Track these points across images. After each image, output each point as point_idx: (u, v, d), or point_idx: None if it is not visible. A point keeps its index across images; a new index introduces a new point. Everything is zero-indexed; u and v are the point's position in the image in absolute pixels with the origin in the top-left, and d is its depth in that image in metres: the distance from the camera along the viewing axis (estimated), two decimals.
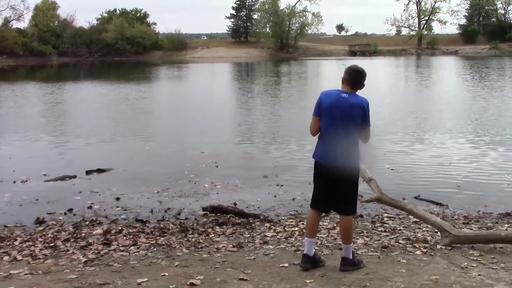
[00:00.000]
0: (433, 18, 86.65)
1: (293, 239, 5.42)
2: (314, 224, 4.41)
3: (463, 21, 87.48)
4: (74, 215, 6.73)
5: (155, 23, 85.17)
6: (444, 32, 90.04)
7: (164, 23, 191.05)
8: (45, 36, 69.38)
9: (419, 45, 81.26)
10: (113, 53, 72.34)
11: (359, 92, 4.28)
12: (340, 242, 4.59)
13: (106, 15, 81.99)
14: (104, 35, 72.81)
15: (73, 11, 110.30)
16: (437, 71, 38.80)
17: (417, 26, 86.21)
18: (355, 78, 4.23)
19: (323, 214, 5.19)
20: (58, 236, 5.60)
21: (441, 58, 63.50)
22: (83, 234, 5.66)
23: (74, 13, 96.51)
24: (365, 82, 4.28)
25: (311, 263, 4.32)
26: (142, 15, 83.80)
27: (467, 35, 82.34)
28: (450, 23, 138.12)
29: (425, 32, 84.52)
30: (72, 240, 5.47)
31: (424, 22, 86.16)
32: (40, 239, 5.49)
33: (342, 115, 4.15)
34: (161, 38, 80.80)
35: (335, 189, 4.28)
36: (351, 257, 4.31)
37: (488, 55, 66.17)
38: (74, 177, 8.74)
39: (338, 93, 4.22)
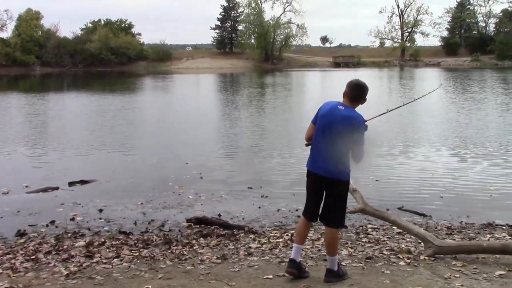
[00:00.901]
0: (415, 30, 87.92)
1: (277, 250, 5.41)
2: (303, 231, 4.45)
3: (445, 33, 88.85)
4: (56, 227, 6.65)
5: (139, 34, 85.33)
6: (427, 44, 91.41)
7: (149, 33, 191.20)
8: (28, 46, 68.93)
9: (402, 56, 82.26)
10: (97, 63, 72.09)
11: (361, 107, 4.31)
12: (325, 253, 4.60)
13: (90, 25, 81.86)
14: (88, 45, 72.55)
15: (57, 21, 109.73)
16: (420, 83, 39.21)
17: (400, 38, 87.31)
18: (355, 92, 4.27)
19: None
20: (40, 249, 5.52)
21: (424, 70, 64.24)
22: (65, 247, 5.59)
23: (58, 23, 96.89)
24: (367, 97, 4.31)
25: (296, 268, 4.34)
26: (126, 25, 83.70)
27: (449, 47, 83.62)
28: (433, 36, 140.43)
29: (408, 44, 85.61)
30: (54, 252, 5.40)
31: (407, 34, 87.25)
32: (21, 252, 5.42)
33: (331, 126, 4.19)
34: (146, 49, 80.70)
35: (324, 199, 4.32)
36: (336, 268, 4.32)
37: (470, 67, 67.12)
38: (57, 188, 8.64)
39: (336, 105, 4.26)
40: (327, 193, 4.29)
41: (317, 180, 4.29)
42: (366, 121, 4.27)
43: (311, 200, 4.39)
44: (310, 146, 4.42)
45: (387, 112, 4.96)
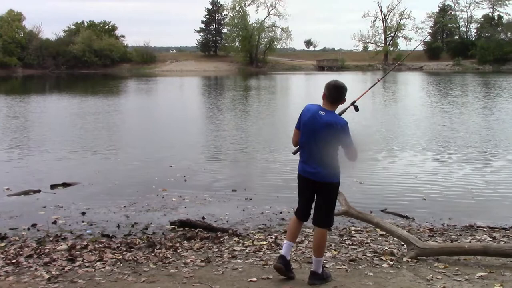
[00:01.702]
0: (398, 34, 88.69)
1: (261, 253, 5.41)
2: (294, 229, 4.51)
3: (427, 38, 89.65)
4: (38, 230, 6.56)
5: (123, 36, 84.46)
6: (409, 49, 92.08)
7: (133, 35, 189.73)
8: (10, 47, 67.99)
9: (385, 60, 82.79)
10: (81, 66, 71.41)
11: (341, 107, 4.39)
12: (309, 256, 4.61)
13: (73, 27, 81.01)
14: (71, 47, 71.89)
15: (39, 22, 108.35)
16: (403, 87, 39.59)
17: (383, 42, 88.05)
18: (334, 94, 4.29)
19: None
20: (21, 252, 5.44)
21: (407, 74, 64.80)
22: (47, 250, 5.52)
23: (40, 25, 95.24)
24: (346, 97, 4.34)
25: (285, 265, 4.37)
26: (110, 27, 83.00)
27: (431, 51, 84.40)
28: (415, 40, 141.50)
29: (391, 48, 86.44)
30: (35, 256, 5.32)
31: (390, 38, 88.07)
32: (1, 256, 5.33)
33: (315, 134, 4.23)
34: (130, 51, 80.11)
35: (315, 201, 4.39)
36: (320, 271, 4.34)
37: (452, 71, 67.89)
38: (39, 191, 8.54)
39: (316, 110, 4.27)
40: (318, 196, 4.36)
41: (307, 183, 4.36)
42: (356, 100, 4.47)
43: (303, 201, 4.46)
44: (298, 153, 4.47)
45: (378, 82, 5.31)
